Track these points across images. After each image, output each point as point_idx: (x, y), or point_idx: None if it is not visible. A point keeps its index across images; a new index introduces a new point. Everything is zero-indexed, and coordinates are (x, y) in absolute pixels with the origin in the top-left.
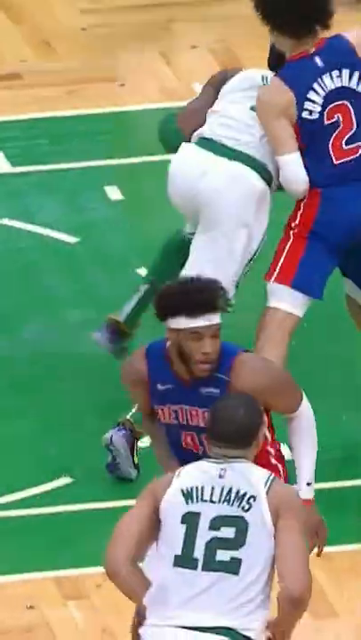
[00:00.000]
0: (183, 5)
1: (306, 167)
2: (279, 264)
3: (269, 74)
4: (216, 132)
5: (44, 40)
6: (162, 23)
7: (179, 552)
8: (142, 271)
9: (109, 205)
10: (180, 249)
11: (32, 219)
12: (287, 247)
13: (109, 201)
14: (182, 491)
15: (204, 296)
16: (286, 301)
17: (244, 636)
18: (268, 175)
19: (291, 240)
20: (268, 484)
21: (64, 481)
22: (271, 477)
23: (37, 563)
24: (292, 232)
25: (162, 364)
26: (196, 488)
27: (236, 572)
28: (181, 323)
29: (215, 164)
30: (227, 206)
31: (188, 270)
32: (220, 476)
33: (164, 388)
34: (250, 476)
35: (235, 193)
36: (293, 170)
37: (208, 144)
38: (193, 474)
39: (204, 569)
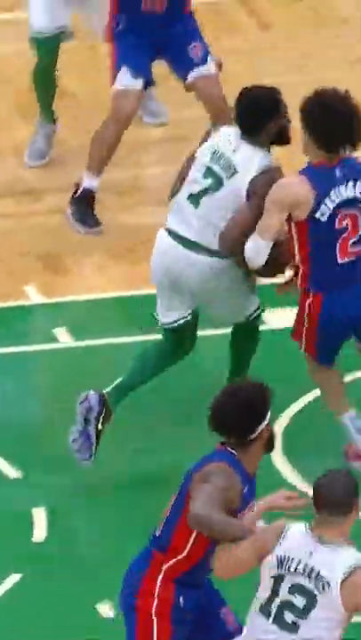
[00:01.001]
0: (12, 217)
1: (311, 269)
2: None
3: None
4: (173, 221)
5: None
6: None
7: (264, 602)
8: None
9: None
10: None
11: None
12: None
13: None
14: (278, 557)
15: (256, 384)
16: None
17: None
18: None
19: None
20: (348, 572)
21: None
22: (355, 565)
23: None
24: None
25: (241, 471)
26: (288, 558)
27: (294, 633)
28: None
29: (174, 253)
30: (198, 289)
31: None
32: (311, 554)
33: (245, 491)
34: (335, 559)
35: (200, 280)
36: (258, 253)
37: (170, 233)
38: (292, 544)
39: (272, 622)
